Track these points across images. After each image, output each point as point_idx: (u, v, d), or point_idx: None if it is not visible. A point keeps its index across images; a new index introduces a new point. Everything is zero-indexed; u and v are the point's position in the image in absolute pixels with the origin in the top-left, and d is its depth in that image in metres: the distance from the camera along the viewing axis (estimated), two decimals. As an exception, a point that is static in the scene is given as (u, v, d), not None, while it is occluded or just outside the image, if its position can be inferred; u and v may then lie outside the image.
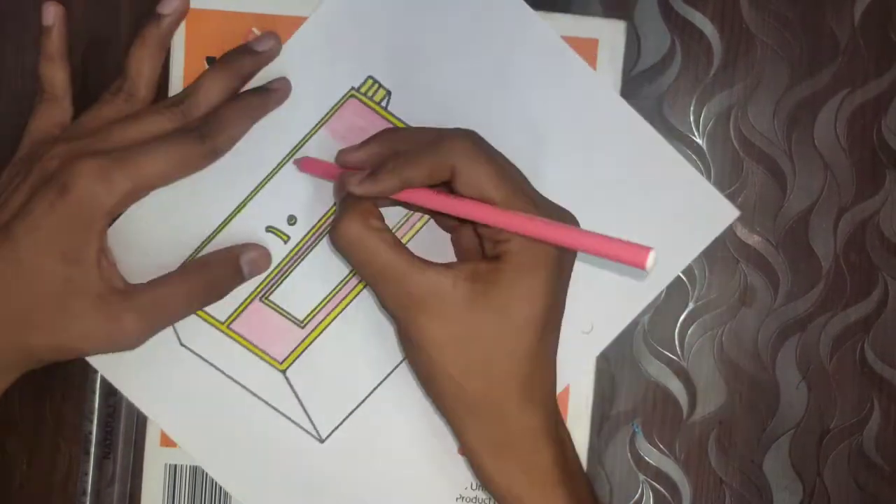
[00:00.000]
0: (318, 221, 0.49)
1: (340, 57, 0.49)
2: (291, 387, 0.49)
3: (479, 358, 0.42)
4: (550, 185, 0.46)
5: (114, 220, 0.47)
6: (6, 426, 0.51)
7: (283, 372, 0.49)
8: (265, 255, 0.48)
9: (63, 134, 0.46)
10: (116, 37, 0.50)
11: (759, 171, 0.50)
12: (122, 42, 0.50)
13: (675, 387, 0.51)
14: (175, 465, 0.50)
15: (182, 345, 0.49)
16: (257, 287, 0.49)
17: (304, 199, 0.49)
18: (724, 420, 0.51)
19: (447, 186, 0.42)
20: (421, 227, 0.49)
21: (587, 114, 0.49)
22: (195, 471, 0.50)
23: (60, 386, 0.51)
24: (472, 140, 0.42)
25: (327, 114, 0.49)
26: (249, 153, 0.48)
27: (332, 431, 0.49)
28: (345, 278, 0.49)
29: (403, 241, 0.48)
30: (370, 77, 0.49)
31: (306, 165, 0.48)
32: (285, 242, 0.49)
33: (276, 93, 0.48)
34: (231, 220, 0.49)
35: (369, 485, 0.49)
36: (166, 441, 0.50)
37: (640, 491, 0.51)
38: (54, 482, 0.51)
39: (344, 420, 0.49)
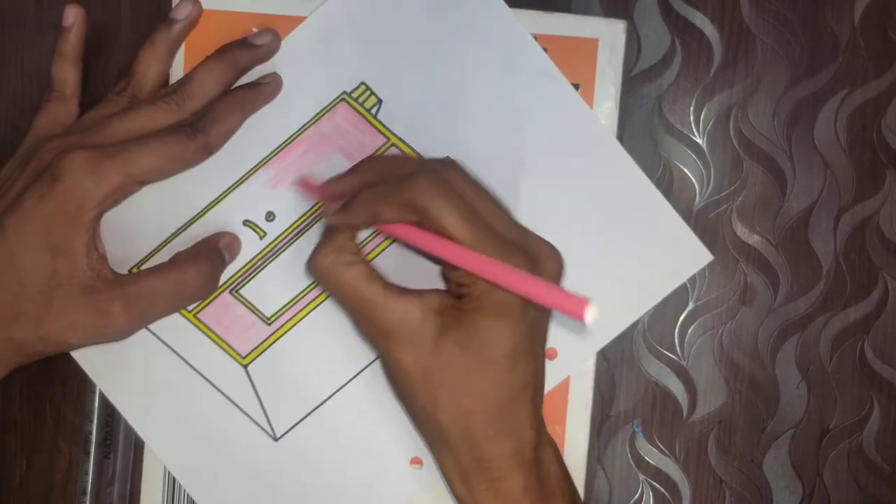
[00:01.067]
0: (297, 220, 0.49)
1: (335, 60, 0.49)
2: (252, 382, 0.49)
3: (446, 389, 0.42)
4: (529, 210, 0.47)
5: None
6: (6, 426, 0.51)
7: (245, 367, 0.49)
8: (236, 240, 0.48)
9: (62, 131, 0.47)
10: (116, 36, 0.50)
11: (759, 171, 0.50)
12: (123, 42, 0.50)
13: (675, 387, 0.51)
14: (175, 465, 0.50)
15: (147, 328, 0.48)
16: (228, 279, 0.48)
17: (285, 198, 0.49)
18: (724, 420, 0.51)
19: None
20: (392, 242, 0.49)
21: (575, 146, 0.49)
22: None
23: (60, 386, 0.51)
24: (439, 178, 0.42)
25: (317, 115, 0.49)
26: (235, 146, 0.48)
27: (288, 431, 0.49)
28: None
29: (378, 250, 0.48)
30: (363, 83, 0.49)
31: (301, 184, 0.48)
32: (261, 238, 0.49)
33: (267, 87, 0.48)
34: (209, 209, 0.49)
35: (318, 487, 0.49)
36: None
37: (640, 491, 0.51)
38: (54, 482, 0.51)
39: (300, 421, 0.49)
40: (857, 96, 0.50)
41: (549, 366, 0.48)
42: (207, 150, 0.46)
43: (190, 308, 0.48)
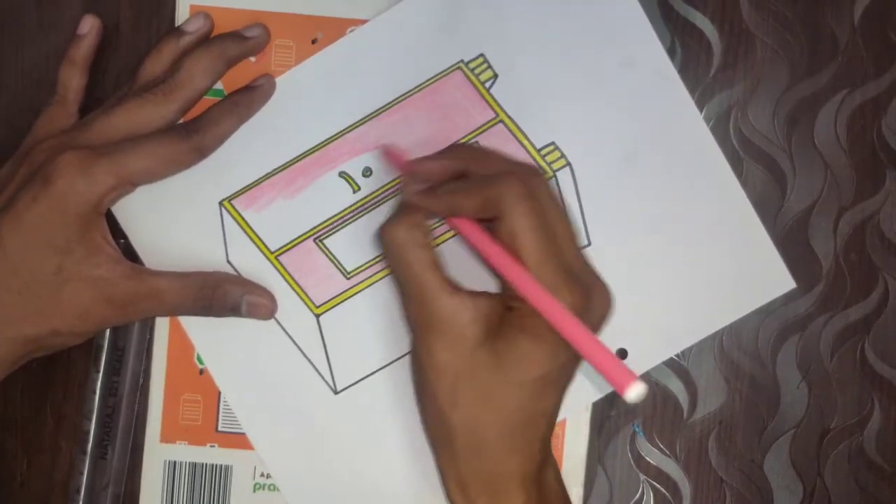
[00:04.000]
0: (393, 181, 0.49)
1: (459, 28, 0.49)
2: (321, 332, 0.49)
3: (470, 396, 0.42)
4: (625, 205, 0.47)
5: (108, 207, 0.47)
6: (6, 426, 0.51)
7: (318, 316, 0.49)
8: (267, 307, 0.48)
9: (59, 134, 0.47)
10: (116, 36, 0.50)
11: (759, 171, 0.50)
12: (122, 42, 0.50)
13: (676, 387, 0.51)
14: (174, 462, 0.50)
15: (228, 261, 0.49)
16: (315, 227, 0.49)
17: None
18: (724, 420, 0.51)
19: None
20: None
21: (680, 150, 0.49)
22: (194, 467, 0.50)
23: (60, 386, 0.51)
24: (526, 187, 0.41)
25: (430, 79, 0.49)
26: (348, 94, 0.48)
27: (348, 386, 0.49)
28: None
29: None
30: (482, 55, 0.49)
31: (386, 153, 0.48)
32: (354, 192, 0.49)
33: (260, 89, 0.48)
34: (309, 154, 0.49)
35: (370, 445, 0.49)
36: (166, 438, 0.50)
37: (640, 491, 0.51)
38: (54, 481, 0.51)
39: (362, 379, 0.49)
40: (857, 96, 0.50)
41: None
42: (201, 153, 0.46)
43: (273, 249, 0.49)
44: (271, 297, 0.48)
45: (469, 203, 0.42)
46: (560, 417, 0.49)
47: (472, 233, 0.43)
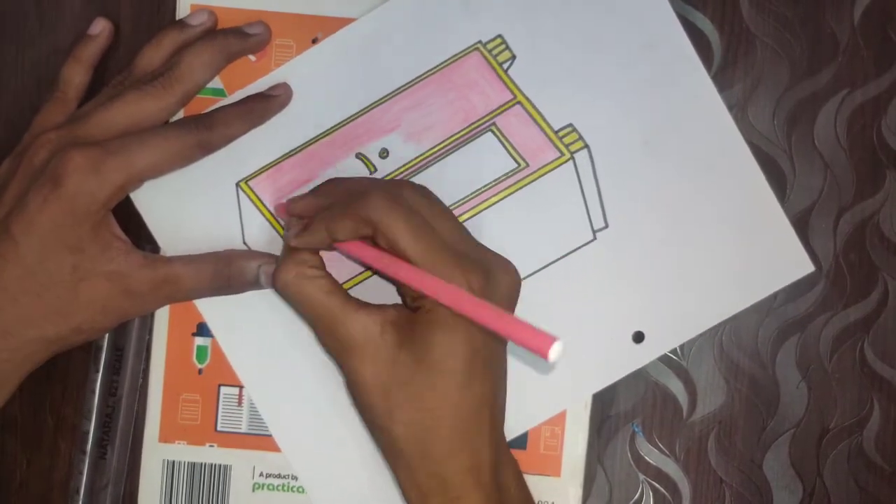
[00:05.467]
0: (410, 161, 0.49)
1: (477, 7, 0.49)
2: None
3: (403, 403, 0.42)
4: (643, 189, 0.48)
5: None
6: (6, 426, 0.51)
7: None
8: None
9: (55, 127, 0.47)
10: (116, 36, 0.50)
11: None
12: (123, 41, 0.50)
13: (676, 387, 0.51)
14: (173, 462, 0.50)
15: (244, 242, 0.49)
16: None
17: (401, 137, 0.49)
18: (724, 420, 0.51)
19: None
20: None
21: (700, 134, 0.49)
22: (193, 467, 0.50)
23: (60, 386, 0.51)
24: (390, 195, 0.42)
25: (447, 60, 0.49)
26: (366, 75, 0.48)
27: None
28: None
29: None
30: (500, 36, 0.49)
31: (277, 207, 0.49)
32: (371, 173, 0.49)
33: (277, 99, 0.48)
34: (327, 134, 0.49)
35: None
36: (165, 437, 0.50)
37: (640, 491, 0.51)
38: (54, 481, 0.51)
39: None
40: (857, 96, 0.50)
41: (633, 350, 0.48)
42: (207, 149, 0.46)
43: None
44: (266, 257, 0.48)
45: (344, 226, 0.43)
46: (559, 409, 0.49)
47: (360, 250, 0.43)
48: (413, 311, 0.43)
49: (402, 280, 0.41)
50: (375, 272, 0.48)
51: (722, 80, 0.50)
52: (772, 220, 0.49)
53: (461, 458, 0.42)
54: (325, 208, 0.44)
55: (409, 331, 0.42)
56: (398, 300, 0.47)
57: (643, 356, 0.49)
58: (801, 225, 0.50)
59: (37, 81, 0.51)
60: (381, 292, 0.48)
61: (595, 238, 0.49)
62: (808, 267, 0.49)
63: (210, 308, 0.49)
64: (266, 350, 0.49)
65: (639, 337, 0.49)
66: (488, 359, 0.43)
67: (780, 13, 0.50)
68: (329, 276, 0.44)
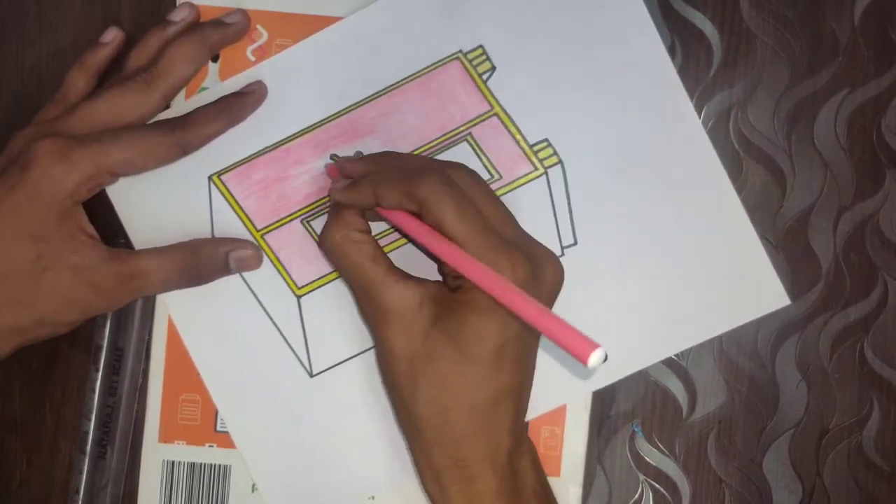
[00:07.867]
0: None
1: (459, 17, 0.49)
2: (301, 314, 0.49)
3: (430, 379, 0.42)
4: (617, 206, 0.47)
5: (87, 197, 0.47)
6: (6, 426, 0.51)
7: (299, 298, 0.49)
8: (257, 256, 0.48)
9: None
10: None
11: (759, 171, 0.50)
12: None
13: (675, 387, 0.51)
14: (173, 462, 0.50)
15: (213, 236, 0.49)
16: (303, 208, 0.49)
17: (376, 140, 0.49)
18: (723, 420, 0.51)
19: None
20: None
21: (678, 156, 0.49)
22: (192, 467, 0.50)
23: (60, 386, 0.51)
24: (442, 176, 0.42)
25: (427, 67, 0.49)
26: (345, 77, 0.48)
27: (324, 370, 0.49)
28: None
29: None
30: (481, 46, 0.49)
31: (328, 168, 0.48)
32: None
33: (252, 95, 0.48)
34: (301, 135, 0.49)
35: (343, 429, 0.49)
36: (164, 437, 0.50)
37: (639, 491, 0.51)
38: (54, 481, 0.51)
39: (338, 364, 0.49)
40: (857, 96, 0.50)
41: (599, 368, 0.47)
42: (184, 149, 0.46)
43: (259, 227, 0.49)
44: (255, 246, 0.48)
45: (390, 192, 0.42)
46: (559, 403, 0.49)
47: (405, 221, 0.43)
48: (452, 290, 0.43)
49: (446, 259, 0.41)
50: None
51: (722, 80, 0.50)
52: (747, 246, 0.49)
53: (478, 442, 0.43)
54: (376, 174, 0.44)
55: (445, 309, 0.42)
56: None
57: (604, 377, 0.49)
58: (801, 225, 0.50)
59: (37, 81, 0.51)
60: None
61: (563, 254, 0.49)
62: (783, 300, 0.49)
63: (176, 305, 0.49)
64: (226, 347, 0.49)
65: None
66: (519, 350, 0.43)
67: (780, 13, 0.50)
68: (374, 241, 0.44)
